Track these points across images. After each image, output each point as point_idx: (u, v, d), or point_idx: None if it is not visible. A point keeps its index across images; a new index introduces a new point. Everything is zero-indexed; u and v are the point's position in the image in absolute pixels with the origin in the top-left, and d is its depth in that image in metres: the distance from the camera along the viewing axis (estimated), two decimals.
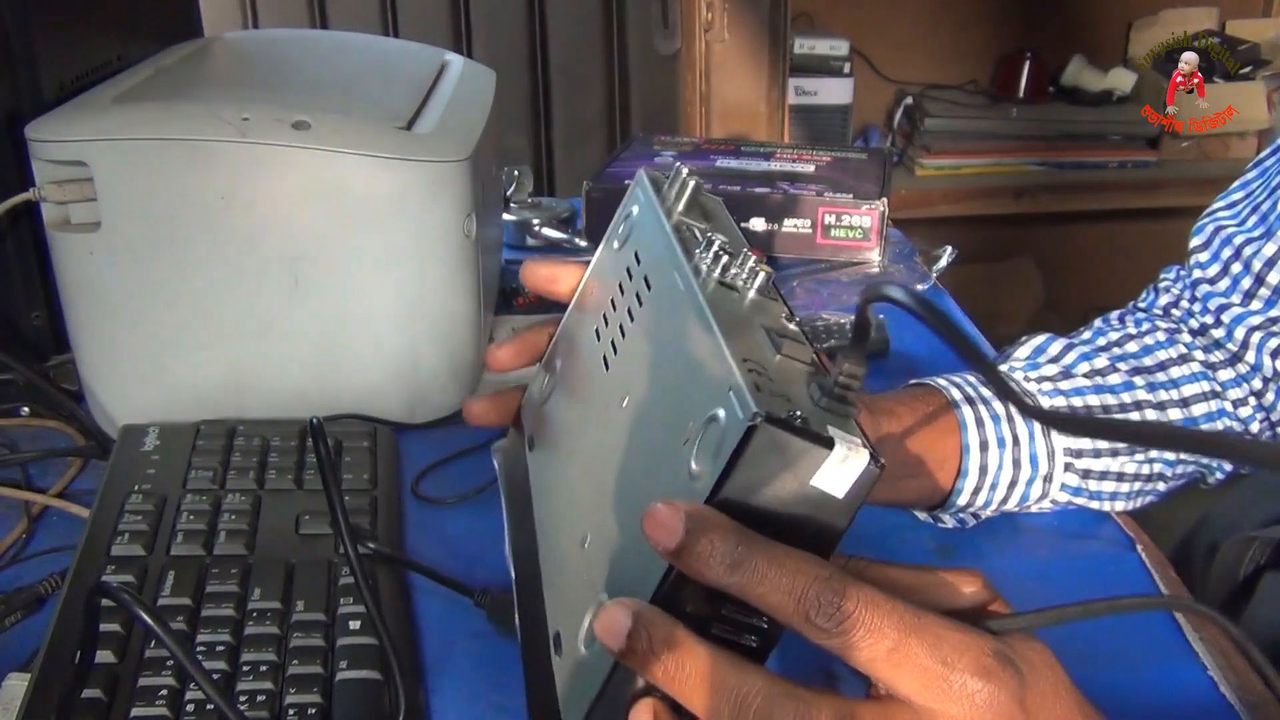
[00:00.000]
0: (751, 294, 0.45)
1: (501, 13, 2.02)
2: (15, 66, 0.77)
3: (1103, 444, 0.68)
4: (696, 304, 0.43)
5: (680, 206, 0.51)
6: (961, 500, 0.66)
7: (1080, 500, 0.69)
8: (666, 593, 0.38)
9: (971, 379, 0.68)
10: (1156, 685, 0.58)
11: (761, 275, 0.45)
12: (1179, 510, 0.87)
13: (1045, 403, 0.67)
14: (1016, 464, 0.66)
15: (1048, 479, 0.67)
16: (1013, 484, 0.67)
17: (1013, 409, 0.66)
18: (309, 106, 0.74)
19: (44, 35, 0.78)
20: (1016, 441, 0.66)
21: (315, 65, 0.95)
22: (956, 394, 0.66)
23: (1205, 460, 0.71)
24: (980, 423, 0.65)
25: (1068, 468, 0.67)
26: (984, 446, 0.65)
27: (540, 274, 0.57)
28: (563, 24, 2.05)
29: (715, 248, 0.46)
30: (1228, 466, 0.73)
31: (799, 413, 0.36)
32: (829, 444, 0.36)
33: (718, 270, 0.45)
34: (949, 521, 0.69)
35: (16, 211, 0.75)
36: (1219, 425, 0.71)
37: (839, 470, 0.36)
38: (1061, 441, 0.67)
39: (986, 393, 0.67)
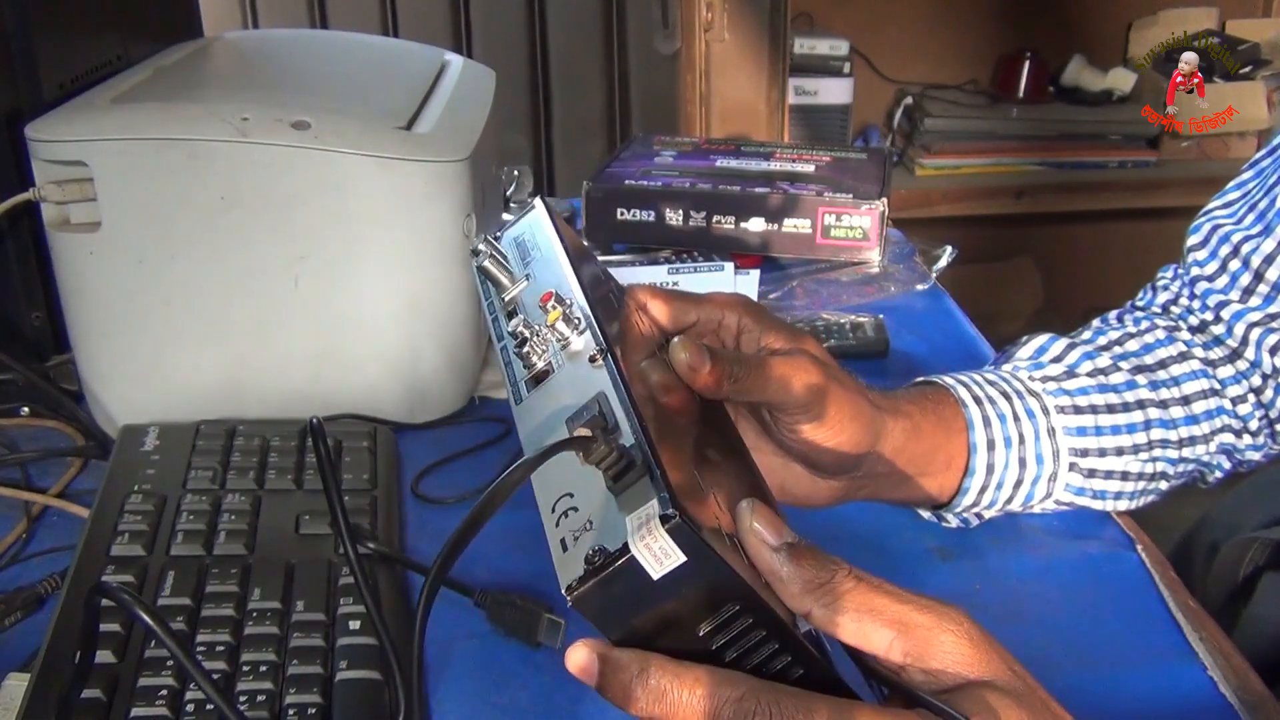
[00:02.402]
0: (564, 362, 0.44)
1: (501, 13, 2.02)
2: (15, 66, 0.77)
3: (1108, 443, 0.68)
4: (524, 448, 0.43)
5: (513, 278, 0.50)
6: (968, 500, 0.66)
7: (1083, 500, 0.69)
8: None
9: (978, 378, 0.68)
10: (1156, 685, 0.58)
11: (562, 325, 0.45)
12: (1179, 510, 0.87)
13: (1050, 402, 0.68)
14: (1022, 463, 0.66)
15: (1052, 478, 0.67)
16: (1018, 483, 0.67)
17: (1018, 408, 0.67)
18: (309, 106, 0.74)
19: (44, 35, 0.78)
20: (1022, 440, 0.66)
21: (315, 65, 0.95)
22: (964, 393, 0.66)
23: (1205, 459, 0.71)
24: (987, 422, 0.66)
25: (1072, 467, 0.67)
26: (991, 445, 0.65)
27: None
28: (563, 24, 2.05)
29: (517, 340, 0.45)
30: (1226, 465, 0.73)
31: (594, 549, 0.36)
32: (626, 551, 0.36)
33: (531, 367, 0.45)
34: (953, 521, 0.69)
35: (16, 211, 0.75)
36: (1218, 423, 0.71)
37: (661, 552, 0.36)
38: (1066, 441, 0.67)
39: (993, 392, 0.67)
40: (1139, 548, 0.68)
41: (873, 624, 0.40)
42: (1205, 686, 0.58)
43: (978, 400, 0.66)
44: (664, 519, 0.36)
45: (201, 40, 1.00)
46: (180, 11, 1.02)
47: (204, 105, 0.74)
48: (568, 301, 0.46)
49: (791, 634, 0.40)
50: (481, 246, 0.50)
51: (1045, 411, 0.67)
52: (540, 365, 0.45)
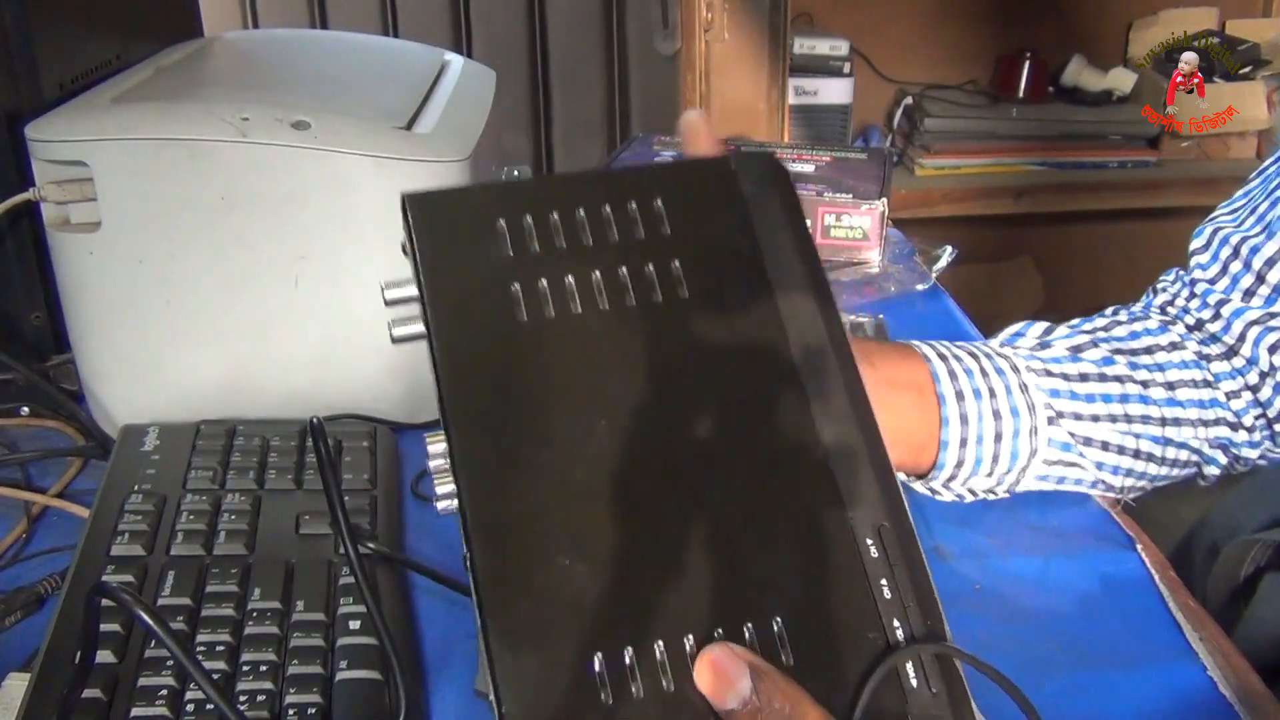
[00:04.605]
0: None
1: (501, 13, 2.03)
2: (15, 66, 0.77)
3: (1084, 409, 0.69)
4: None
5: None
6: (949, 456, 0.66)
7: (1071, 457, 0.69)
8: None
9: (943, 342, 0.69)
10: (1156, 685, 0.58)
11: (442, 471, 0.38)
12: (1179, 510, 0.87)
13: (1021, 364, 0.69)
14: (997, 415, 0.67)
15: (1033, 433, 0.68)
16: (998, 437, 0.67)
17: (986, 366, 0.68)
18: (309, 106, 0.74)
19: (44, 35, 0.78)
20: (993, 394, 0.67)
21: (315, 65, 0.95)
22: (927, 350, 0.68)
23: (1197, 445, 0.72)
24: (953, 375, 0.67)
25: (1051, 421, 0.68)
26: (960, 396, 0.66)
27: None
28: (563, 24, 2.05)
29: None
30: (1222, 460, 0.73)
31: None
32: None
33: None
34: (946, 495, 0.69)
35: (16, 211, 0.75)
36: (1210, 414, 0.71)
37: None
38: (1041, 397, 0.68)
39: (959, 351, 0.68)
40: (1139, 547, 0.68)
41: None
42: (1205, 686, 0.58)
43: (942, 356, 0.68)
44: None
45: (201, 40, 1.00)
46: (180, 11, 1.02)
47: (204, 105, 0.74)
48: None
49: None
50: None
51: (1015, 370, 0.68)
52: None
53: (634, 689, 0.35)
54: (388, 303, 0.41)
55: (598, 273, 0.41)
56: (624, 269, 0.41)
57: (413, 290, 0.41)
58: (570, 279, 0.41)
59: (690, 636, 0.36)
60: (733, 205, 0.44)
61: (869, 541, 0.39)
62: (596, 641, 0.35)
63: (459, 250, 0.41)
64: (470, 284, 0.41)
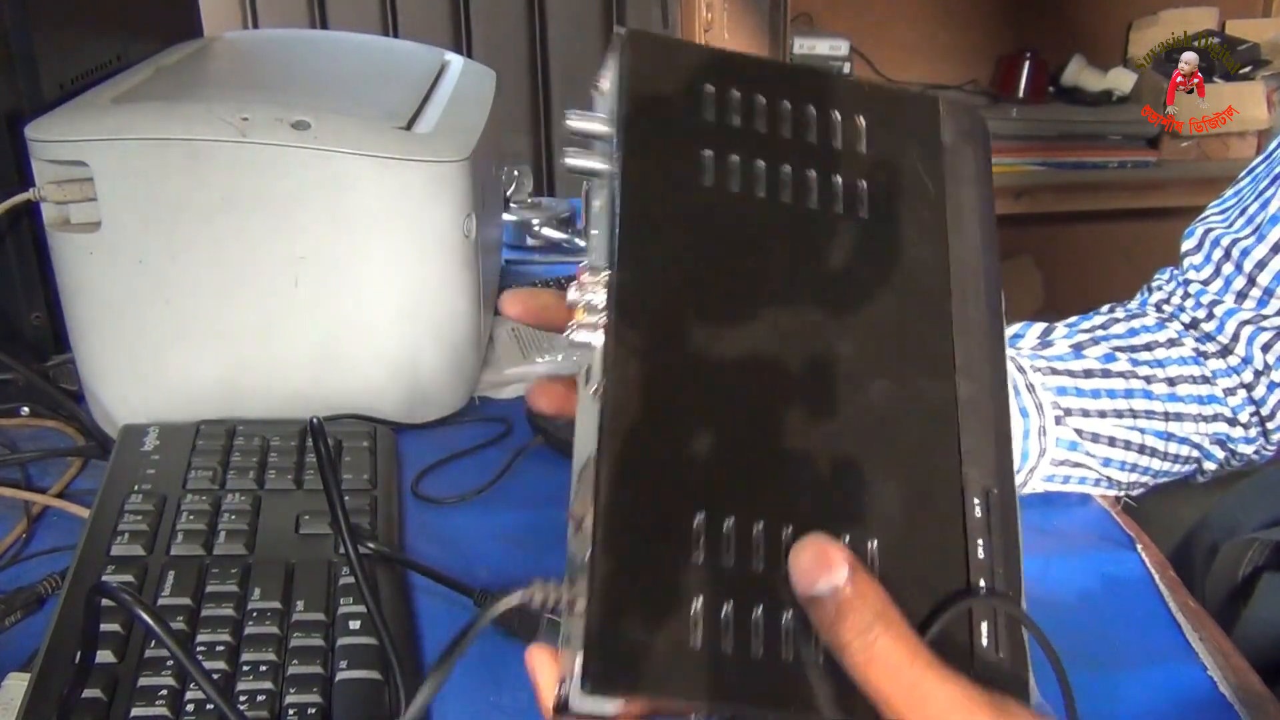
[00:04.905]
0: (586, 380, 0.38)
1: (501, 13, 2.03)
2: (15, 66, 0.77)
3: (1090, 404, 0.69)
4: None
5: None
6: None
7: (1078, 456, 0.69)
8: None
9: None
10: (1156, 685, 0.58)
11: (585, 322, 0.38)
12: (1179, 510, 0.87)
13: (1026, 364, 0.69)
14: None
15: (1042, 432, 0.68)
16: None
17: None
18: (309, 106, 0.74)
19: (44, 35, 0.78)
20: None
21: (315, 65, 0.95)
22: None
23: (1197, 440, 0.72)
24: None
25: (1059, 421, 0.68)
26: None
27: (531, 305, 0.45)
28: (563, 24, 2.05)
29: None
30: (1219, 455, 0.73)
31: (562, 679, 0.35)
32: (566, 706, 0.34)
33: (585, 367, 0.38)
34: None
35: (16, 211, 0.75)
36: (1209, 410, 0.71)
37: (595, 702, 0.33)
38: (1048, 396, 0.68)
39: None
40: (1139, 547, 0.69)
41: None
42: (1205, 686, 0.58)
43: None
44: (583, 680, 0.33)
45: (201, 40, 1.00)
46: (180, 11, 1.02)
47: (204, 105, 0.74)
48: (601, 271, 0.38)
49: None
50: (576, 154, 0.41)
51: (1021, 370, 0.68)
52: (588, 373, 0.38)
53: (725, 558, 0.35)
54: (572, 131, 0.40)
55: (788, 167, 0.41)
56: (813, 172, 0.41)
57: (599, 126, 0.40)
58: (760, 164, 0.41)
59: (791, 527, 0.36)
60: (929, 147, 0.44)
61: (975, 500, 0.39)
62: (702, 500, 0.36)
63: (663, 99, 0.41)
64: (666, 136, 0.40)
